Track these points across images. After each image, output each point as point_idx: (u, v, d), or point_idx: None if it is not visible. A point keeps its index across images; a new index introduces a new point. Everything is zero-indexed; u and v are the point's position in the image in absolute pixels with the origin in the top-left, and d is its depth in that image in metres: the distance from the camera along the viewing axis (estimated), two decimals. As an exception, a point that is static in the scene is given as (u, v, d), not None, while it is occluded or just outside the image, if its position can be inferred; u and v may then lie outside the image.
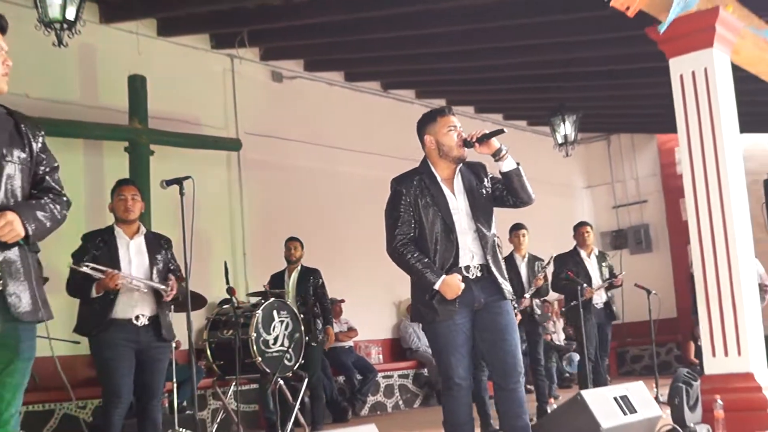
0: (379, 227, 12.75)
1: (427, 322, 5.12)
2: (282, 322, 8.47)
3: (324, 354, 10.88)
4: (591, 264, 9.98)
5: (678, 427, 6.66)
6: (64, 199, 3.80)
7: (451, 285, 4.91)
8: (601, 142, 17.41)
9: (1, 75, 3.64)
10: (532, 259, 9.90)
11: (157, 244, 6.46)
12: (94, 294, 6.04)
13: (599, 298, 9.92)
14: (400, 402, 12.24)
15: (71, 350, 7.63)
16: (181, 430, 7.62)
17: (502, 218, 5.73)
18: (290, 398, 8.84)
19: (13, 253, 3.49)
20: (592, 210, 17.12)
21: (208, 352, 8.48)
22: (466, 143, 5.07)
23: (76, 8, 7.71)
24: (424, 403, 12.53)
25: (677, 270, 16.12)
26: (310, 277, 9.67)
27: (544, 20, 9.47)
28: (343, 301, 11.67)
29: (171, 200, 9.05)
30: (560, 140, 12.79)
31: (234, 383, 8.60)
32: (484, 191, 5.18)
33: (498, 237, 5.45)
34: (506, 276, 5.16)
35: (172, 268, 6.43)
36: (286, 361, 8.36)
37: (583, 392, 5.71)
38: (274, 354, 8.31)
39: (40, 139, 3.77)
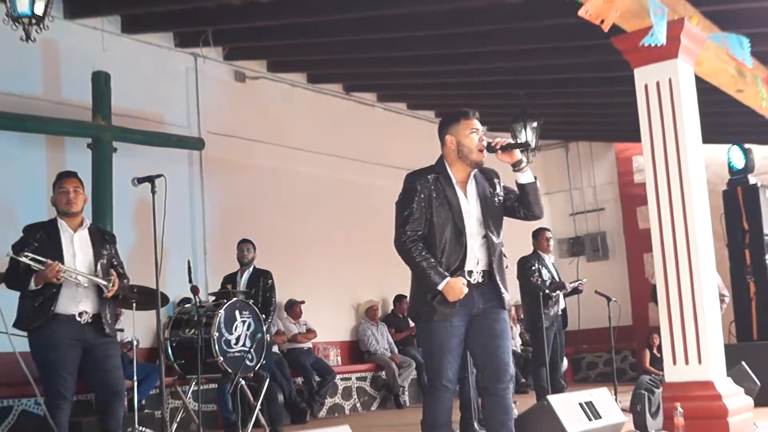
0: (340, 229, 12.86)
1: (424, 320, 5.10)
2: (244, 322, 8.45)
3: (283, 355, 10.89)
4: (553, 269, 10.09)
5: (640, 434, 6.74)
6: None
7: (454, 288, 4.91)
8: (559, 150, 17.51)
9: None
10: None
11: (101, 238, 6.35)
12: (33, 286, 5.90)
13: (559, 305, 10.00)
14: (358, 404, 12.24)
15: (26, 346, 7.51)
16: (141, 428, 7.57)
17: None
18: (251, 399, 8.81)
19: None
20: (550, 217, 17.20)
21: (169, 350, 8.42)
22: (490, 148, 5.07)
23: (45, 3, 7.63)
24: (381, 406, 12.54)
25: (633, 278, 16.26)
26: (260, 278, 9.68)
27: (506, 27, 9.52)
28: (303, 302, 11.66)
29: (133, 198, 9.08)
30: (521, 147, 12.80)
31: (194, 382, 8.55)
32: (496, 199, 5.19)
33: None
34: (506, 284, 5.16)
35: (115, 263, 6.33)
36: (247, 362, 8.34)
37: (550, 398, 5.77)
38: (236, 354, 8.29)
39: None
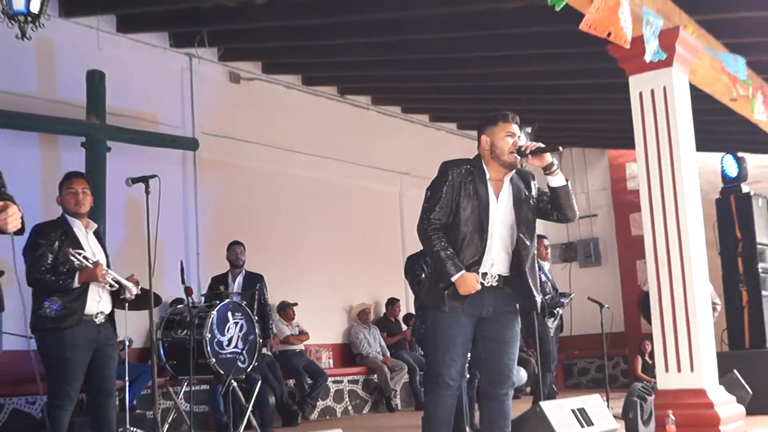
0: (333, 231, 12.86)
1: (433, 309, 5.09)
2: (237, 323, 8.45)
3: (275, 357, 10.87)
4: (549, 277, 10.09)
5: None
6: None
7: (467, 282, 4.88)
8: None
9: None
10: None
11: (101, 238, 6.42)
12: (77, 284, 5.95)
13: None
14: (350, 407, 12.22)
15: (23, 345, 7.50)
16: (132, 428, 7.56)
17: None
18: (243, 400, 8.80)
19: None
20: (542, 222, 17.17)
21: (161, 351, 8.41)
22: (520, 152, 5.07)
23: (41, 2, 7.63)
24: (373, 409, 12.52)
25: (626, 284, 16.27)
26: (256, 283, 9.69)
27: (501, 33, 9.53)
28: (295, 304, 11.65)
29: (124, 197, 9.07)
30: (515, 152, 12.82)
31: (185, 383, 8.54)
32: (531, 201, 5.19)
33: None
34: (539, 289, 5.14)
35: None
36: (239, 363, 8.33)
37: (542, 404, 5.77)
38: (228, 356, 8.28)
39: None
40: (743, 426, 7.39)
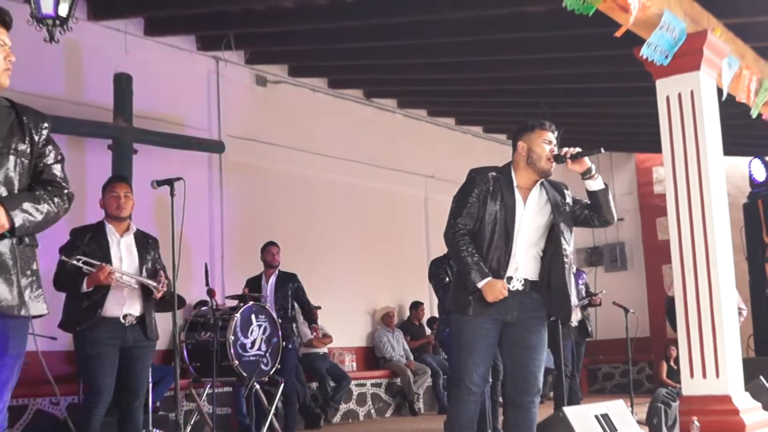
0: (358, 234, 12.87)
1: (457, 312, 5.10)
2: (260, 326, 8.47)
3: (298, 360, 10.88)
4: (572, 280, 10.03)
5: (656, 447, 6.70)
6: (66, 191, 3.72)
7: (494, 288, 4.90)
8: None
9: (2, 70, 3.61)
10: None
11: (145, 242, 6.44)
12: (85, 288, 5.99)
13: (575, 317, 9.93)
14: (373, 411, 12.22)
15: (47, 346, 7.54)
16: (155, 430, 7.57)
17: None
18: (266, 403, 8.81)
19: (2, 245, 3.44)
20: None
21: (185, 353, 8.44)
22: (559, 158, 5.07)
23: (69, 5, 7.67)
24: (396, 413, 12.50)
25: (651, 289, 16.17)
26: (288, 282, 9.70)
27: (528, 36, 9.51)
28: (319, 307, 11.62)
29: (151, 200, 9.09)
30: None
31: (208, 386, 8.56)
32: (567, 208, 5.19)
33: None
34: (573, 294, 5.16)
35: (158, 268, 6.40)
36: (262, 366, 8.34)
37: (566, 409, 5.73)
38: (251, 358, 8.30)
39: (44, 132, 3.71)
40: (769, 433, 7.33)
